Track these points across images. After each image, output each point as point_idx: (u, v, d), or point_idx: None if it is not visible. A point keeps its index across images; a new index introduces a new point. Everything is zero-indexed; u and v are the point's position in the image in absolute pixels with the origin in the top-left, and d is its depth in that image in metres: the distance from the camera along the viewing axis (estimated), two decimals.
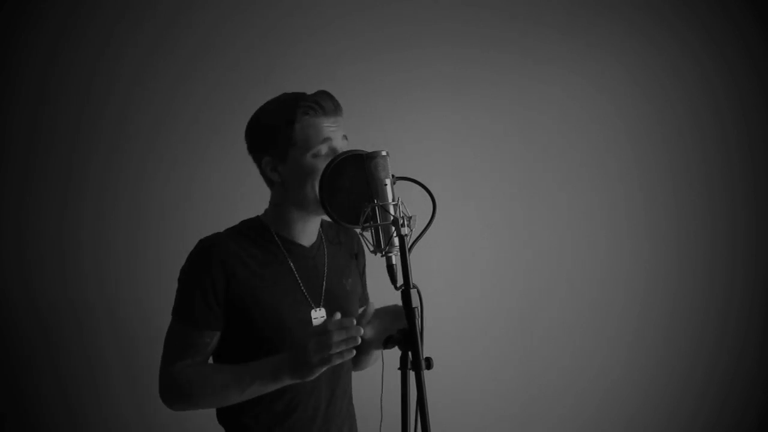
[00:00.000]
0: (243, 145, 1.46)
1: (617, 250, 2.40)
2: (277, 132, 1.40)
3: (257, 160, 1.44)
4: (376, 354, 1.58)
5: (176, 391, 1.34)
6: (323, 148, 1.37)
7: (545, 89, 2.36)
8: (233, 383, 1.31)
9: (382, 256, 1.21)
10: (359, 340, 1.21)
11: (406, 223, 1.19)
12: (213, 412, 1.47)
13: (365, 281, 1.66)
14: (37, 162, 2.03)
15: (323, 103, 1.39)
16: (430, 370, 1.15)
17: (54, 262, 2.03)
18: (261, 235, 1.43)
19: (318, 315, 1.42)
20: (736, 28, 2.46)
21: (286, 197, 1.42)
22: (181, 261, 1.40)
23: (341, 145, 1.39)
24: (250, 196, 1.67)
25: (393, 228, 1.19)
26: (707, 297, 2.43)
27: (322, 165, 1.36)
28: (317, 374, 1.25)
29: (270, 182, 1.44)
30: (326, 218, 1.48)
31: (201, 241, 1.40)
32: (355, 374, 1.57)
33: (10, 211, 2.02)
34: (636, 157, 2.42)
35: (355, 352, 1.23)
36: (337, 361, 1.22)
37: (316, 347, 1.22)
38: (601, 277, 2.38)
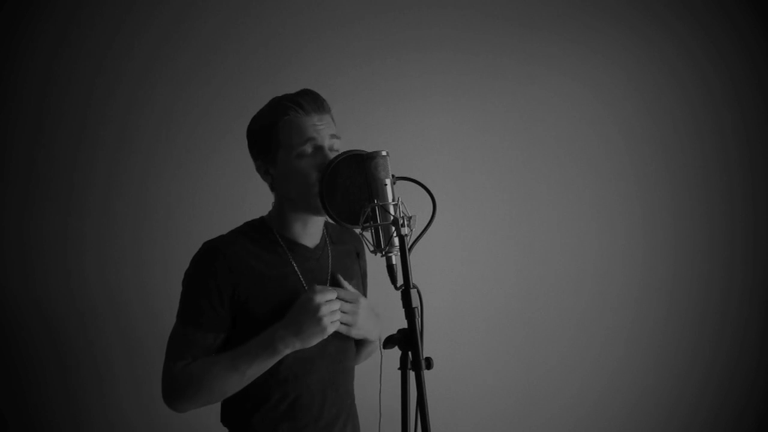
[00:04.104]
0: (247, 147, 1.47)
1: (616, 252, 2.40)
2: (264, 135, 1.41)
3: (255, 165, 1.46)
4: (370, 350, 1.59)
5: (179, 389, 1.34)
6: (307, 148, 1.36)
7: (543, 92, 2.36)
8: (232, 366, 1.32)
9: (382, 256, 1.21)
10: (354, 296, 1.40)
11: (406, 223, 1.20)
12: (217, 412, 1.47)
13: (366, 284, 1.66)
14: (40, 163, 2.03)
15: (304, 102, 1.38)
16: (430, 370, 1.15)
17: (58, 263, 2.03)
18: (264, 236, 1.43)
19: None
20: (735, 30, 2.46)
21: (282, 199, 1.43)
22: (187, 261, 1.40)
23: (329, 144, 1.38)
24: (255, 196, 1.68)
25: (393, 228, 1.19)
26: (705, 299, 2.43)
27: (308, 165, 1.36)
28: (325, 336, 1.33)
29: (269, 186, 1.45)
30: (327, 219, 1.49)
31: (205, 244, 1.40)
32: (355, 375, 1.57)
33: (14, 212, 2.02)
34: (634, 159, 2.42)
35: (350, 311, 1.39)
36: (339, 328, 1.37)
37: (327, 311, 1.32)
38: (600, 278, 2.38)
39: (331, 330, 1.33)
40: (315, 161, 1.36)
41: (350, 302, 1.39)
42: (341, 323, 1.37)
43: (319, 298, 1.32)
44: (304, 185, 1.36)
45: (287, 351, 1.32)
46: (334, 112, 1.46)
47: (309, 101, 1.39)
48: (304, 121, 1.38)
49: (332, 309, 1.33)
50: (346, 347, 1.48)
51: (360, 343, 1.53)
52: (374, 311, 1.49)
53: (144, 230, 2.07)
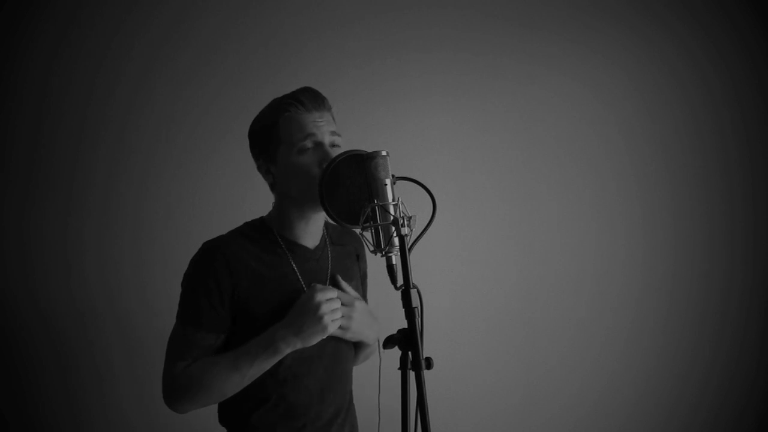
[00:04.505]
0: (248, 147, 1.48)
1: (616, 252, 2.40)
2: (264, 133, 1.41)
3: (256, 165, 1.46)
4: (368, 352, 1.59)
5: (179, 390, 1.34)
6: (308, 143, 1.37)
7: (543, 92, 2.36)
8: (233, 367, 1.32)
9: (382, 256, 1.21)
10: (349, 299, 1.39)
11: (406, 223, 1.19)
12: (216, 412, 1.47)
13: (366, 287, 1.66)
14: (40, 163, 2.03)
15: (303, 98, 1.39)
16: (430, 370, 1.15)
17: (58, 263, 2.03)
18: (264, 236, 1.43)
19: None
20: (735, 30, 2.46)
21: (282, 197, 1.43)
22: (187, 261, 1.40)
23: (328, 141, 1.39)
24: (255, 196, 1.68)
25: (393, 228, 1.19)
26: (705, 299, 2.43)
27: (309, 161, 1.36)
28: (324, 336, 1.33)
29: (270, 186, 1.45)
30: (327, 219, 1.49)
31: (204, 244, 1.40)
32: (355, 375, 1.57)
33: (14, 212, 2.02)
34: (634, 159, 2.42)
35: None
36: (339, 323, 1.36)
37: (327, 309, 1.33)
38: (600, 278, 2.38)
39: (332, 328, 1.34)
40: (316, 157, 1.37)
41: (346, 305, 1.39)
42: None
43: (320, 296, 1.33)
44: (305, 181, 1.36)
45: (288, 350, 1.32)
46: (334, 112, 1.47)
47: (309, 98, 1.40)
48: (304, 117, 1.38)
49: (332, 308, 1.34)
50: (344, 348, 1.48)
51: (358, 345, 1.53)
52: (371, 314, 1.48)
53: (144, 230, 2.07)
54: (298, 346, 1.32)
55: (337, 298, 1.37)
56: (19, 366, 2.01)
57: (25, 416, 2.01)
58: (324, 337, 1.34)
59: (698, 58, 2.44)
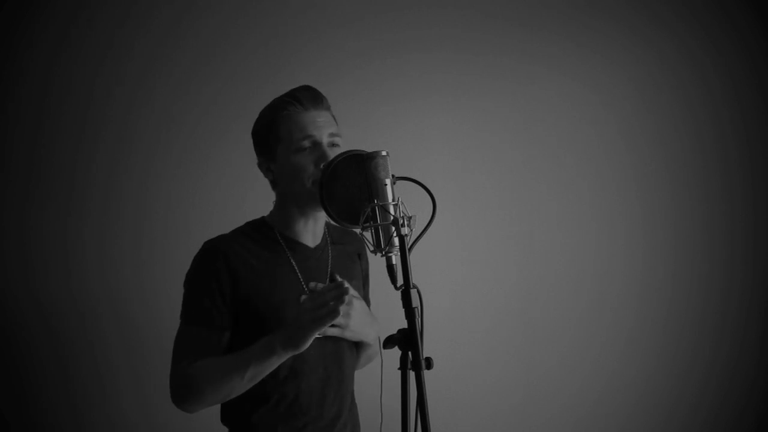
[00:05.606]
0: (248, 147, 1.49)
1: (616, 252, 2.40)
2: (264, 132, 1.42)
3: (257, 162, 1.46)
4: (370, 354, 1.59)
5: (185, 389, 1.34)
6: (306, 143, 1.38)
7: (543, 92, 2.36)
8: (234, 368, 1.31)
9: (382, 256, 1.21)
10: (348, 298, 1.25)
11: (406, 223, 1.19)
12: (217, 412, 1.47)
13: (368, 287, 1.66)
14: (40, 163, 2.03)
15: (302, 97, 1.40)
16: (430, 370, 1.15)
17: (58, 263, 2.02)
18: (265, 235, 1.43)
19: None
20: (735, 30, 2.46)
21: (283, 196, 1.43)
22: (187, 261, 1.41)
23: (327, 141, 1.39)
24: (255, 196, 1.68)
25: (393, 228, 1.19)
26: (705, 299, 2.43)
27: (306, 161, 1.37)
28: (310, 339, 1.25)
29: (271, 183, 1.46)
30: (328, 218, 1.49)
31: (206, 244, 1.41)
32: (356, 374, 1.57)
33: (14, 212, 2.02)
34: (634, 159, 2.42)
35: (341, 312, 1.24)
36: (328, 321, 1.23)
37: (308, 307, 1.25)
38: (600, 278, 2.38)
39: (311, 328, 1.26)
40: (313, 156, 1.38)
41: (335, 299, 1.28)
42: (334, 326, 1.33)
43: (304, 299, 1.29)
44: (302, 180, 1.37)
45: (285, 353, 1.29)
46: (334, 112, 1.47)
47: (308, 97, 1.40)
48: (302, 116, 1.39)
49: (314, 307, 1.26)
50: (345, 348, 1.48)
51: (359, 345, 1.53)
52: (371, 313, 1.48)
53: (144, 230, 2.07)
54: (290, 350, 1.28)
55: (325, 291, 1.27)
56: (19, 366, 2.01)
57: (25, 416, 2.01)
58: (310, 335, 1.26)
59: (698, 58, 2.44)
